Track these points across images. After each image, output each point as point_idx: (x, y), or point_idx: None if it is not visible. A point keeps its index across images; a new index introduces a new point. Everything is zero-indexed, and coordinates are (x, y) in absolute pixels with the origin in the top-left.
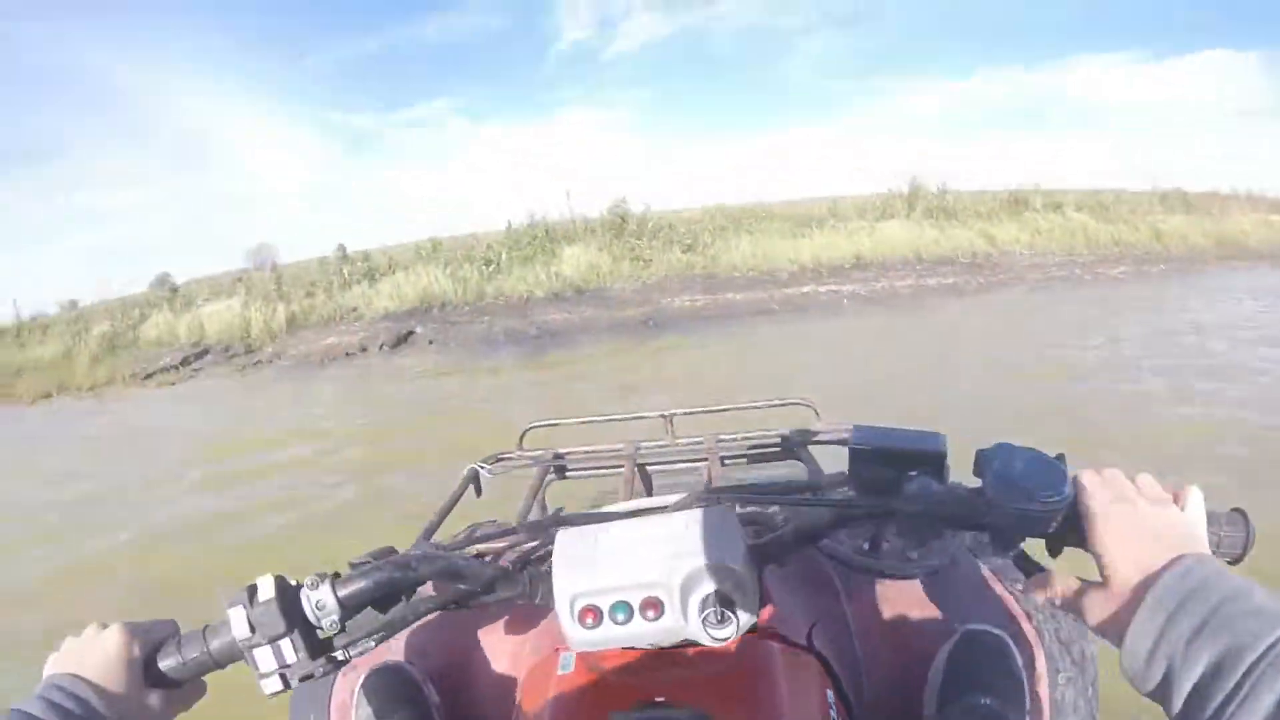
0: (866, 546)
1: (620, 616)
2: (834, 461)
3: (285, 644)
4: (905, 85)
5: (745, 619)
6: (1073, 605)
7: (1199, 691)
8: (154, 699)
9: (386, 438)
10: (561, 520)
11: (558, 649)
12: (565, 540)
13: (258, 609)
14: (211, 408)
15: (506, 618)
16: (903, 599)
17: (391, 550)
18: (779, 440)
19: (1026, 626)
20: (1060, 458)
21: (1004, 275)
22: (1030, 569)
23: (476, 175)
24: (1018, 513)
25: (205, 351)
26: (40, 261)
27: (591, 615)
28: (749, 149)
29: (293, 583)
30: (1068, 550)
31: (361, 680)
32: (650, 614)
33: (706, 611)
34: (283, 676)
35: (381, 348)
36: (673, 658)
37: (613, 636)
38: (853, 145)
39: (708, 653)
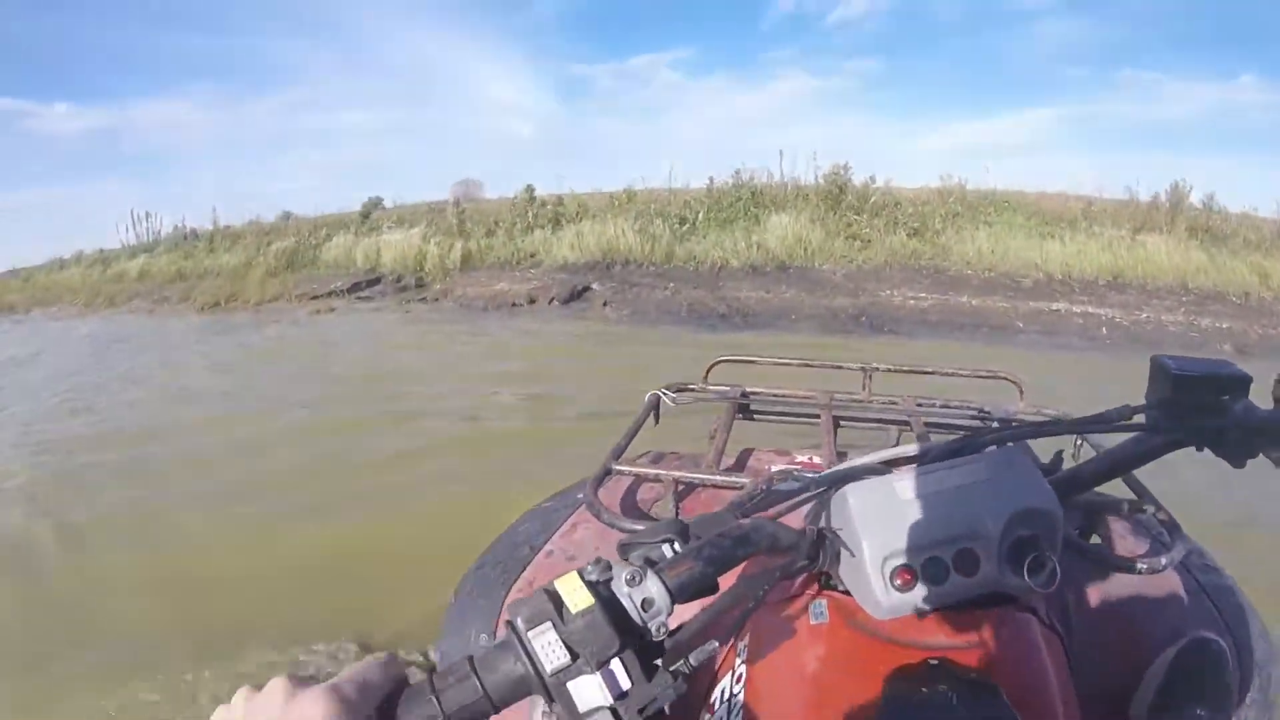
0: (1078, 535)
1: (933, 573)
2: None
3: (617, 666)
4: (1153, 82)
5: (1055, 564)
6: None
7: None
8: None
9: (502, 417)
10: (846, 475)
11: (807, 593)
12: (860, 495)
13: (574, 624)
14: (357, 341)
15: None
16: (1126, 595)
17: (679, 524)
18: (978, 413)
19: (1235, 640)
20: None
21: None
22: None
23: (684, 131)
24: None
25: (378, 280)
26: (269, 175)
27: (906, 576)
28: (972, 131)
29: (592, 577)
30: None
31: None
32: (964, 567)
33: (1029, 557)
34: (614, 712)
35: (551, 302)
36: (935, 618)
37: (928, 596)
38: (1089, 140)
39: (969, 617)
